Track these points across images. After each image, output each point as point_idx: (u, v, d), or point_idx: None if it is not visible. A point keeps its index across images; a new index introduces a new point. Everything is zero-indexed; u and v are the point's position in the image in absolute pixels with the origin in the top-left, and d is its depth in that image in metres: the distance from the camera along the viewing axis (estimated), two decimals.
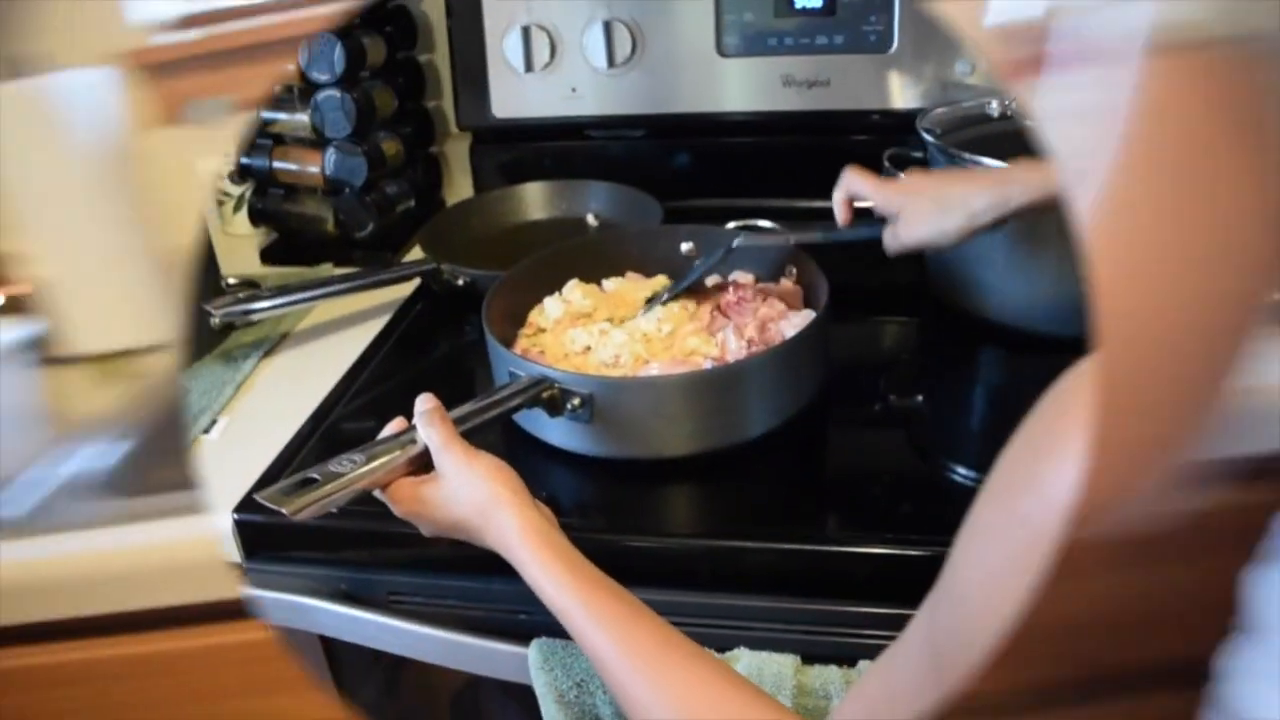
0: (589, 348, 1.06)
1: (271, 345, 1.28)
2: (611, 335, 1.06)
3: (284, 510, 0.74)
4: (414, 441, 0.82)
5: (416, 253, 1.40)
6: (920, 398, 1.15)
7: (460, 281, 1.31)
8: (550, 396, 0.95)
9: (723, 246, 1.13)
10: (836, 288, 1.07)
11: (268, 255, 1.52)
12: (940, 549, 0.56)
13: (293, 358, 1.27)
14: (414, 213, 1.53)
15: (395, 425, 0.85)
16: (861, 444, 1.05)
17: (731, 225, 1.26)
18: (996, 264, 1.14)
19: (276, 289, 1.24)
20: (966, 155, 1.10)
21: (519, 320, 1.16)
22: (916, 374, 1.20)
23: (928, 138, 1.18)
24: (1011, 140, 1.08)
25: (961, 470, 0.98)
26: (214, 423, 1.13)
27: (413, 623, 0.93)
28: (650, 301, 1.13)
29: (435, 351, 1.30)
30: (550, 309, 1.14)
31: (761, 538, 0.89)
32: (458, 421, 0.85)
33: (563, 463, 1.01)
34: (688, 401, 0.95)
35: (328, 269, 1.46)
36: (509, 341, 1.13)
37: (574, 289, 1.17)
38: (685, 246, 1.24)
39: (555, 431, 0.99)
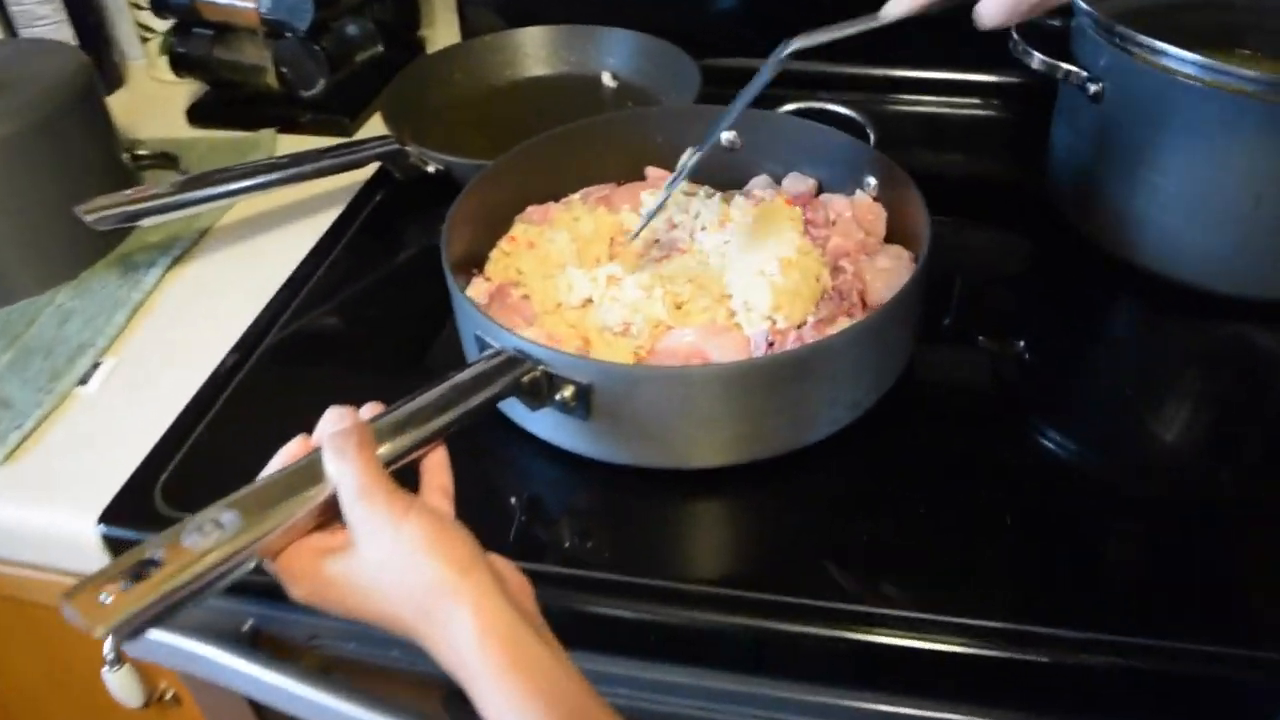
0: (590, 300, 0.77)
1: (184, 249, 0.99)
2: (624, 286, 0.76)
3: (94, 631, 0.48)
4: (317, 482, 0.54)
5: (378, 123, 1.08)
6: (1035, 361, 0.85)
7: (431, 168, 1.01)
8: (531, 381, 0.66)
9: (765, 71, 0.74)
10: (919, 175, 0.79)
11: (196, 114, 1.20)
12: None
13: (210, 267, 0.98)
14: (382, 62, 1.20)
15: (291, 451, 0.57)
16: (961, 442, 0.77)
17: (789, 107, 0.94)
18: (1162, 189, 0.82)
19: (182, 182, 0.93)
20: None
21: (503, 228, 0.86)
22: (1031, 324, 0.89)
23: None
24: None
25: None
26: (95, 367, 0.86)
27: (338, 692, 0.67)
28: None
29: (398, 259, 1.01)
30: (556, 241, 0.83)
31: (822, 593, 0.63)
32: (391, 435, 0.58)
33: (548, 459, 0.74)
34: (730, 400, 0.67)
35: (269, 136, 1.15)
36: (479, 260, 0.83)
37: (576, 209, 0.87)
38: (727, 136, 0.93)
39: (540, 419, 0.71)
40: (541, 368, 0.66)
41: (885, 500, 0.71)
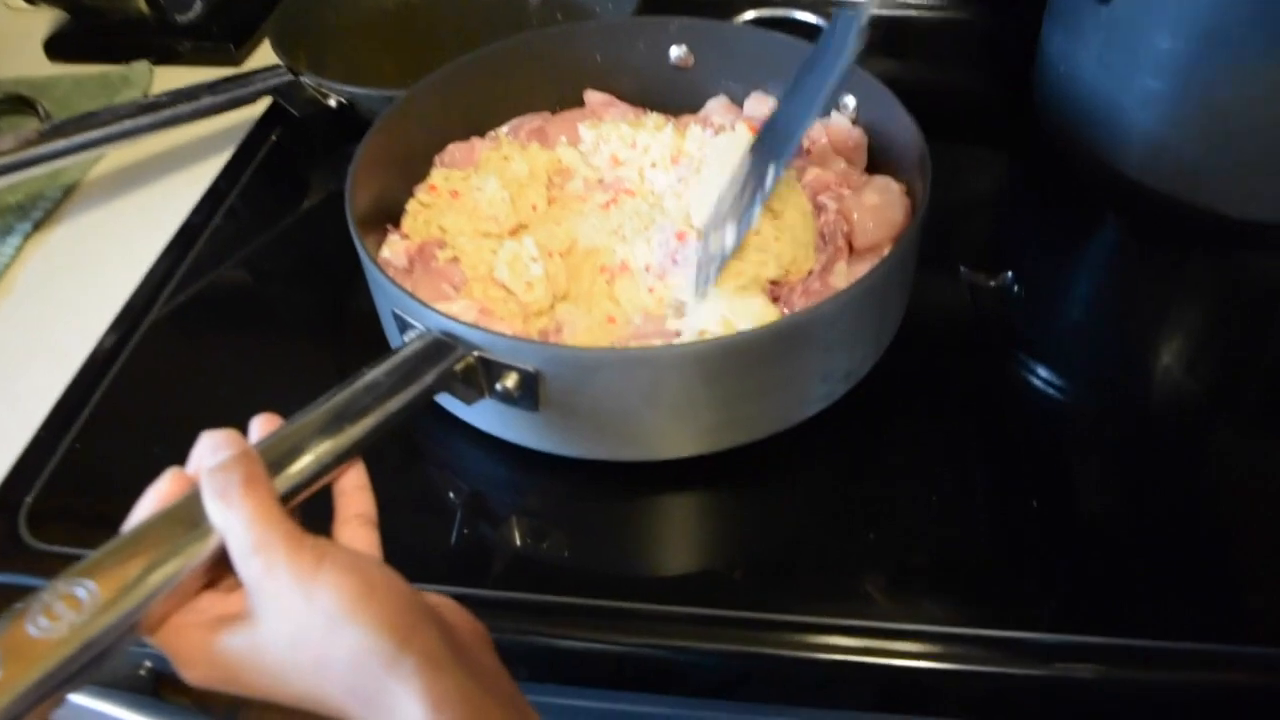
0: (535, 259, 0.64)
1: (47, 211, 0.84)
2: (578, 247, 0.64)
3: None
4: (200, 530, 0.42)
5: (269, 52, 0.93)
6: (1036, 300, 0.75)
7: (332, 101, 0.87)
8: (465, 369, 0.54)
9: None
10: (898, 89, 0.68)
11: (56, 47, 1.04)
12: None
13: (79, 232, 0.84)
14: None
15: (163, 490, 0.44)
16: (968, 407, 0.67)
17: (749, 15, 0.81)
18: (1178, 104, 0.71)
19: (42, 132, 0.78)
20: None
21: (422, 171, 0.73)
22: (1028, 256, 0.79)
23: None
24: None
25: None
26: None
27: None
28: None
29: (301, 208, 0.87)
30: (489, 204, 0.70)
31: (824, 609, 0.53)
32: (290, 458, 0.46)
33: (492, 455, 0.63)
34: (709, 383, 0.55)
35: (142, 71, 0.99)
36: (396, 211, 0.70)
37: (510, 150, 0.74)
38: (676, 52, 0.80)
39: (480, 410, 0.59)
40: (476, 353, 0.54)
41: (889, 485, 0.61)
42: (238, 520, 0.41)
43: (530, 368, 0.54)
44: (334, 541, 0.43)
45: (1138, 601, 0.54)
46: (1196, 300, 0.75)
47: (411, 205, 0.70)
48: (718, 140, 0.71)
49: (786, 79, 0.75)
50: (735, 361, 0.54)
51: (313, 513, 0.46)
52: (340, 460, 0.47)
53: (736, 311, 0.59)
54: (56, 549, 0.59)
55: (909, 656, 0.52)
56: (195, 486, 0.43)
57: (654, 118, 0.77)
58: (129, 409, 0.68)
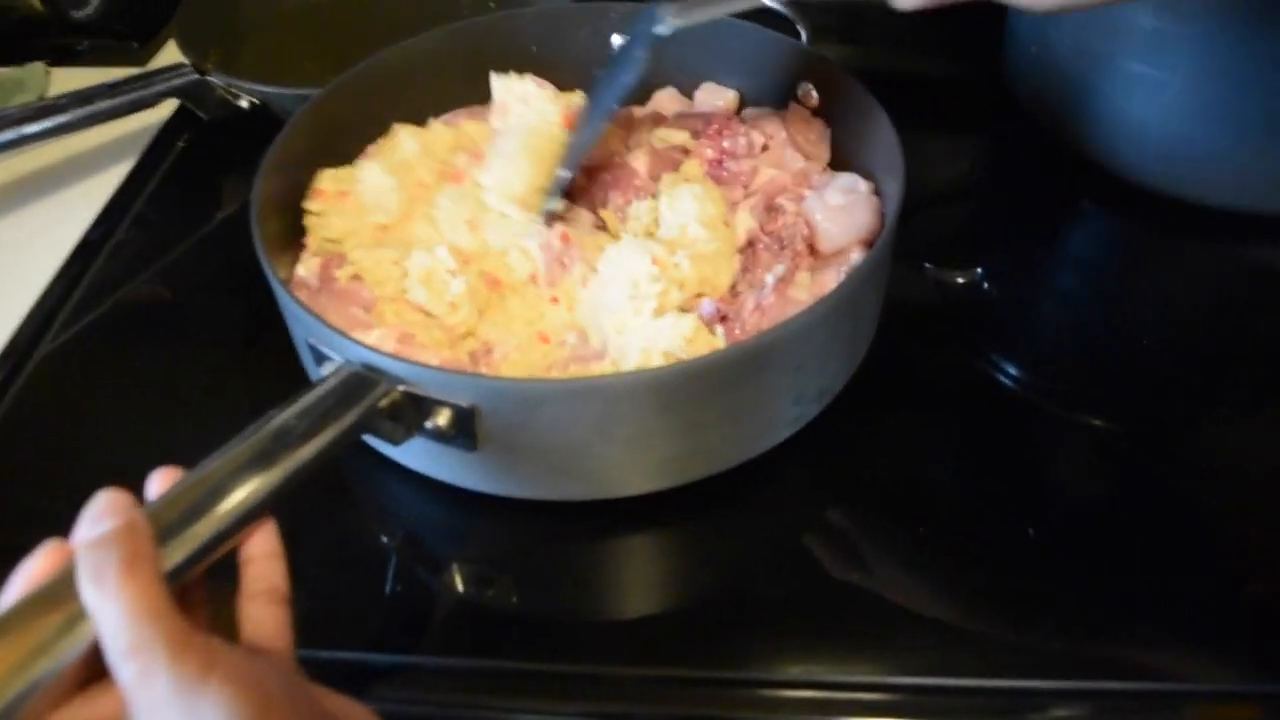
0: (454, 272, 0.57)
1: None
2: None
3: None
4: (72, 619, 0.35)
5: (174, 50, 0.85)
6: (1015, 298, 0.70)
7: (244, 102, 0.79)
8: (390, 406, 0.48)
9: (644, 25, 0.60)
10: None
11: None
12: None
13: None
14: None
15: (33, 570, 0.37)
16: (952, 419, 0.61)
17: None
18: (1158, 85, 0.66)
19: None
20: None
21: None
22: (1005, 250, 0.74)
23: None
24: None
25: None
26: None
27: None
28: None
29: (213, 220, 0.79)
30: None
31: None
32: (187, 522, 0.39)
33: (426, 496, 0.56)
34: (666, 413, 0.49)
35: (37, 72, 0.91)
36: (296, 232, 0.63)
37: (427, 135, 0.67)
38: (618, 40, 0.74)
39: (410, 448, 0.52)
40: (402, 388, 0.47)
41: (872, 514, 0.55)
42: (112, 612, 0.34)
43: (465, 403, 0.47)
44: (224, 643, 0.35)
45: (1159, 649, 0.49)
46: (1179, 289, 0.70)
47: (307, 218, 0.63)
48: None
49: (740, 68, 0.70)
50: (697, 387, 0.48)
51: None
52: (247, 519, 0.41)
53: (662, 339, 0.52)
54: None
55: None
56: (63, 569, 0.36)
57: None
58: (16, 457, 0.61)
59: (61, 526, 0.54)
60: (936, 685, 0.47)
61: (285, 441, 0.43)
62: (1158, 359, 0.64)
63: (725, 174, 0.65)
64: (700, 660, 0.48)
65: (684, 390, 0.48)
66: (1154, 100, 0.68)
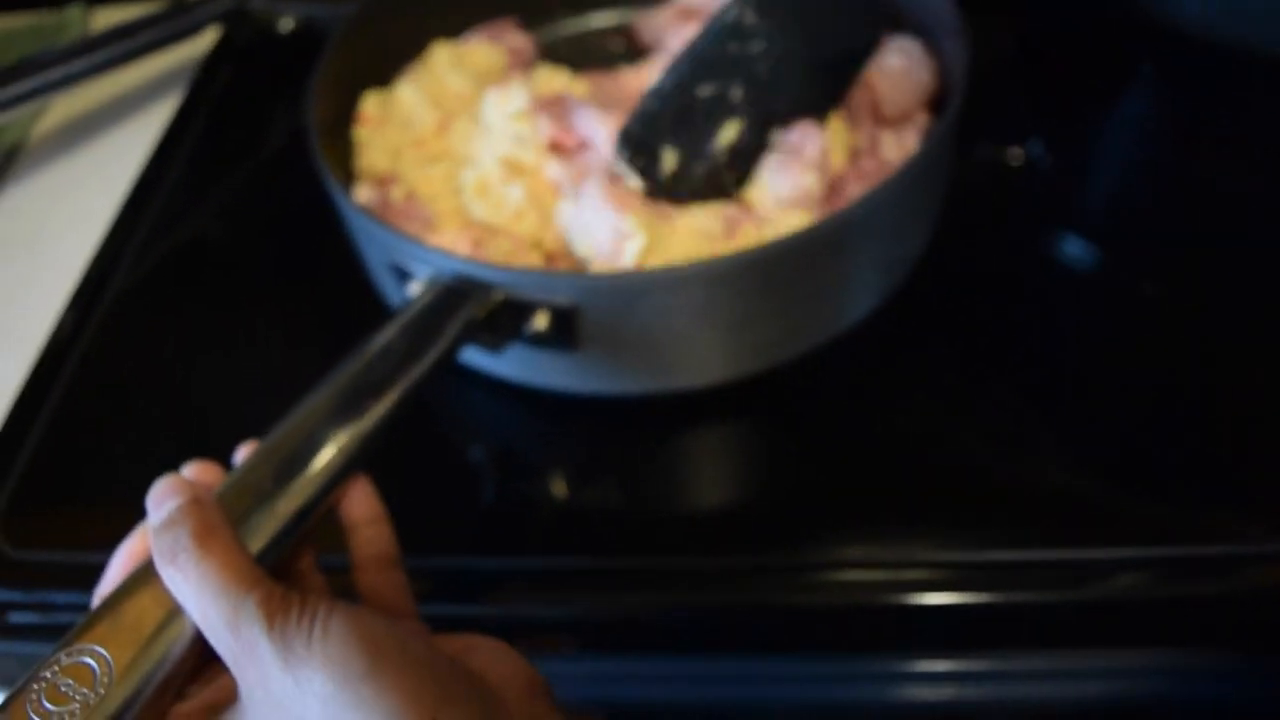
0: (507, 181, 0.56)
1: None
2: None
3: None
4: (170, 615, 0.34)
5: None
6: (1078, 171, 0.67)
7: (287, 24, 0.78)
8: (489, 314, 0.47)
9: None
10: None
11: None
12: None
13: (26, 197, 0.76)
14: None
15: (132, 549, 0.37)
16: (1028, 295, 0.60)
17: None
18: None
19: None
20: None
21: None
22: (1065, 120, 0.71)
23: None
24: None
25: None
26: None
27: None
28: None
29: (270, 149, 0.78)
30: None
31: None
32: (269, 493, 0.37)
33: (517, 406, 0.56)
34: (764, 294, 0.49)
35: (76, 13, 0.90)
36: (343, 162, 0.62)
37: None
38: None
39: (504, 356, 0.52)
40: (502, 292, 0.47)
41: (940, 391, 0.54)
42: (194, 591, 0.32)
43: (566, 302, 0.47)
44: (328, 601, 0.32)
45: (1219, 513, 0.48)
46: (1247, 151, 0.67)
47: (356, 143, 0.62)
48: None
49: None
50: (801, 262, 0.47)
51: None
52: (334, 485, 0.39)
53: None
54: (36, 556, 0.52)
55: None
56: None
57: None
58: (101, 393, 0.61)
59: (150, 452, 0.54)
60: (994, 560, 0.47)
61: (391, 361, 0.43)
62: (1227, 225, 0.62)
63: None
64: (807, 550, 0.48)
65: (789, 266, 0.48)
66: None
